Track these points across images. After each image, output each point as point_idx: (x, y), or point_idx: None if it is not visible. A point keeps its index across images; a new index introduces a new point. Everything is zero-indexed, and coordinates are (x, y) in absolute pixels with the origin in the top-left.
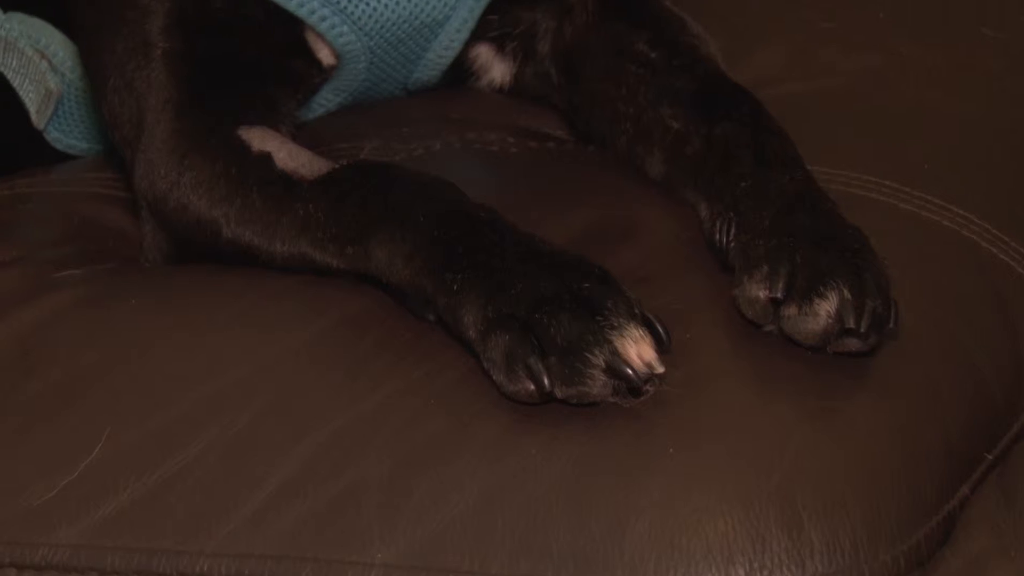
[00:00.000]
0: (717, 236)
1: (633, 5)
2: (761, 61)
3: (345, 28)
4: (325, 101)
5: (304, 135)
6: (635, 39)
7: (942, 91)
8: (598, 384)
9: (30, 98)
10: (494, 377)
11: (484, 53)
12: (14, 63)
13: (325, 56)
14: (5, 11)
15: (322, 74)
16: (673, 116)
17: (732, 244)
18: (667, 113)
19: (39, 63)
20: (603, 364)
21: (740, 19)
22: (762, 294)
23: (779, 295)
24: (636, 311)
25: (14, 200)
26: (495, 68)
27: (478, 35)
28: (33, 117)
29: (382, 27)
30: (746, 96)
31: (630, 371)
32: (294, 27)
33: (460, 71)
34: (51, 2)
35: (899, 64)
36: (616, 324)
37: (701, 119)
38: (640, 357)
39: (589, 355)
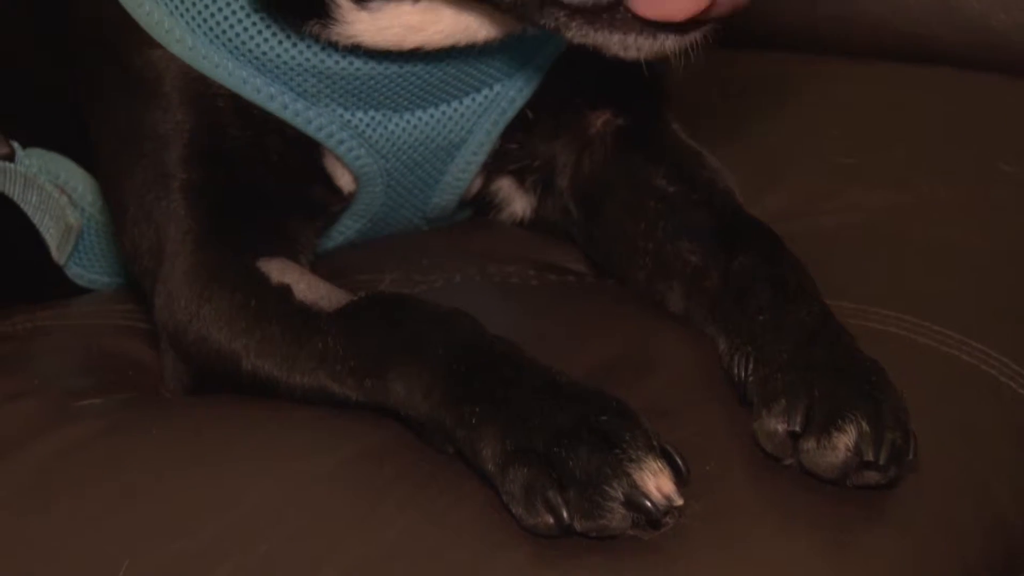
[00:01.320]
0: (736, 369)
1: (651, 139)
2: (780, 195)
3: (363, 151)
4: (344, 228)
5: (324, 266)
6: (653, 173)
7: (960, 227)
8: (617, 517)
9: (50, 234)
10: (513, 510)
11: (505, 187)
12: (34, 199)
13: (345, 182)
14: (24, 146)
15: (341, 201)
16: (692, 250)
17: (751, 377)
18: (686, 247)
19: (59, 198)
20: (622, 497)
21: (760, 153)
22: (781, 427)
23: (798, 428)
24: (655, 443)
25: (35, 332)
26: (516, 201)
27: (499, 167)
28: (54, 253)
29: (399, 150)
30: (764, 230)
31: (649, 503)
32: (312, 153)
33: (482, 204)
34: (70, 136)
35: (917, 200)
36: (635, 457)
37: (719, 253)
38: (659, 490)
39: (608, 488)
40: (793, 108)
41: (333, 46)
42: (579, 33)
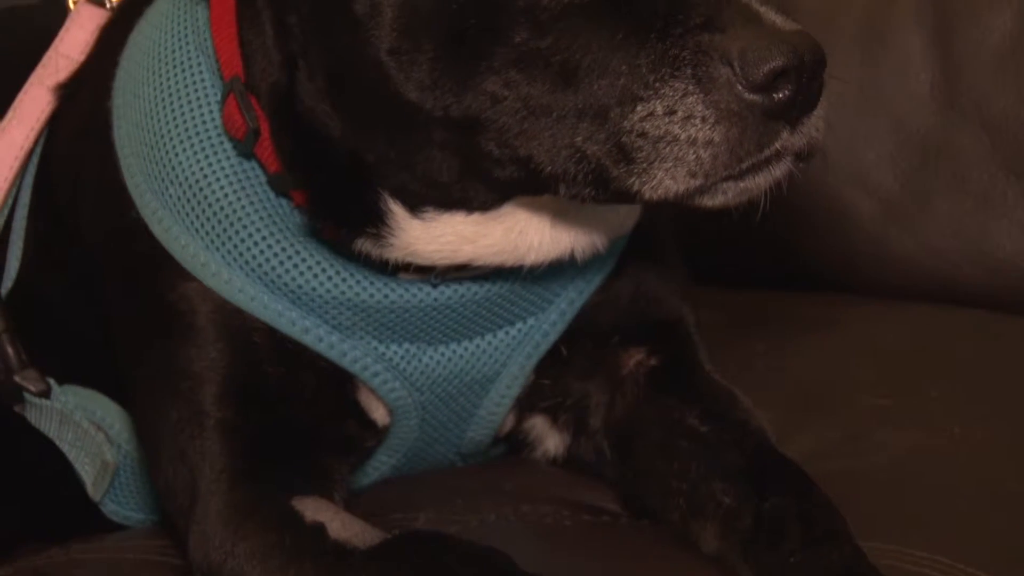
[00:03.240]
0: None
1: (684, 379)
2: (813, 435)
3: (397, 384)
4: (379, 464)
5: (358, 504)
6: (686, 414)
7: (993, 469)
8: None
9: (86, 471)
10: None
11: (539, 424)
12: (70, 436)
13: (379, 415)
14: (60, 383)
15: (376, 435)
16: (724, 491)
17: None
18: (718, 488)
19: (95, 435)
20: None
21: (793, 392)
22: None
23: None
24: None
25: (69, 565)
26: (549, 439)
27: (532, 404)
28: (90, 489)
29: (433, 383)
30: (796, 471)
31: None
32: (346, 386)
33: (516, 441)
34: (106, 373)
35: (949, 442)
36: None
37: (752, 494)
38: None
39: None
40: (826, 348)
41: (383, 267)
42: (661, 187)
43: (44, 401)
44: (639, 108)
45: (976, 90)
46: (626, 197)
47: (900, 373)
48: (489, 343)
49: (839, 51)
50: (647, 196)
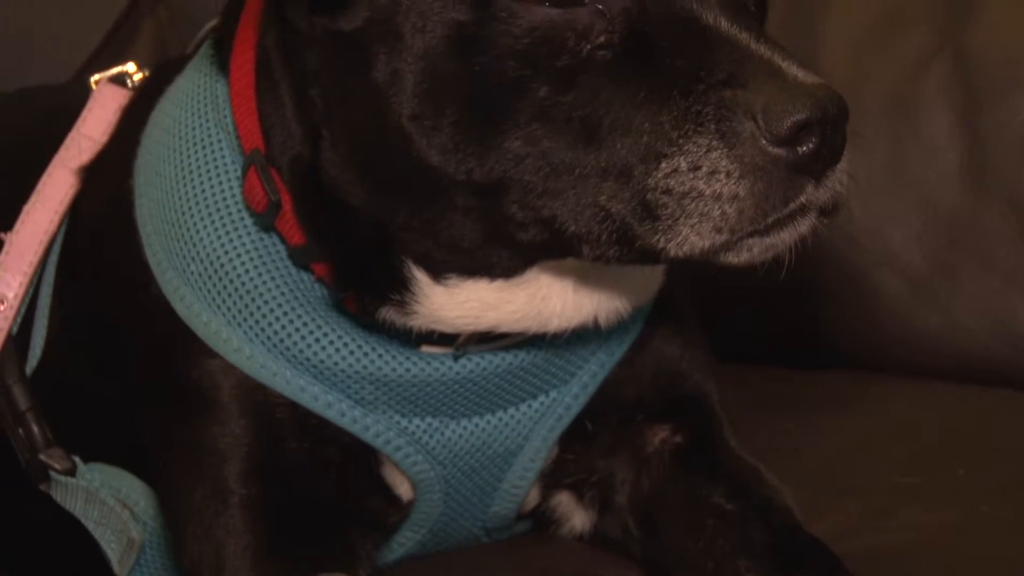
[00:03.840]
0: None
1: (709, 456)
2: (840, 513)
3: (420, 458)
4: (404, 540)
5: None
6: (712, 491)
7: (1021, 547)
8: None
9: (112, 548)
10: None
11: (565, 501)
12: (95, 514)
13: (403, 490)
14: (86, 461)
15: (400, 511)
16: (750, 569)
17: None
18: (744, 566)
19: (120, 513)
20: None
21: (820, 470)
22: None
23: None
24: None
25: None
26: (575, 516)
27: (557, 480)
28: (115, 567)
29: (456, 456)
30: (822, 549)
31: None
32: (370, 461)
33: (542, 518)
34: (131, 450)
35: (977, 520)
36: None
37: (777, 572)
38: None
39: None
40: (854, 426)
41: (406, 337)
42: (687, 243)
43: (70, 479)
44: (663, 165)
45: (1003, 169)
46: (651, 256)
47: (927, 451)
48: (512, 416)
49: (866, 130)
50: (672, 253)
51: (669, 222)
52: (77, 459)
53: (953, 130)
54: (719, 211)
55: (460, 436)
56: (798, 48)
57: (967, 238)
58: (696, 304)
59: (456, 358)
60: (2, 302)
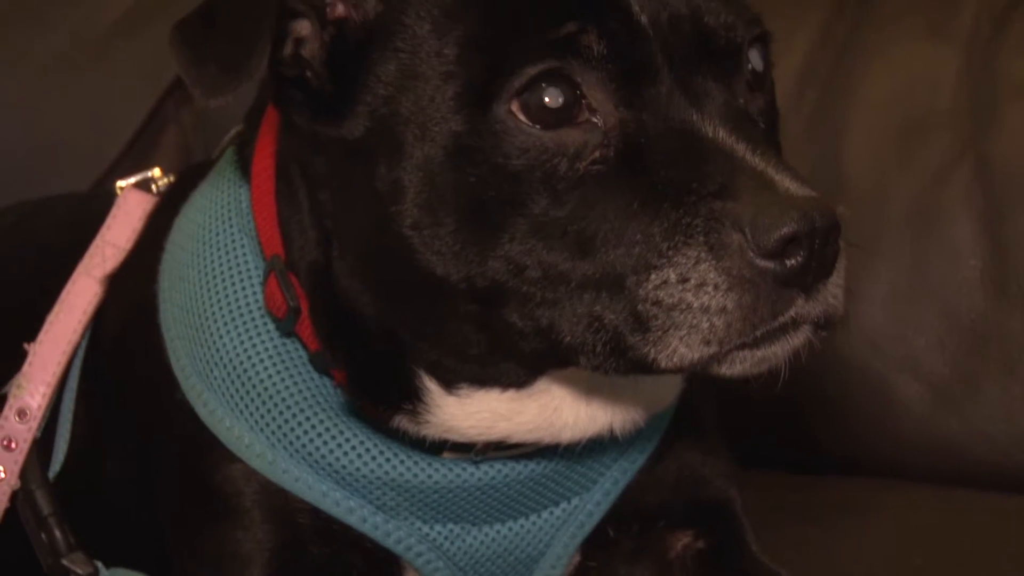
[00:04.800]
0: None
1: (732, 562)
2: None
3: (441, 564)
4: None
5: None
6: None
7: None
8: None
9: None
10: None
11: None
12: None
13: None
14: (108, 566)
15: None
16: None
17: None
18: None
19: None
20: None
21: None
22: None
23: None
24: None
25: None
26: None
27: None
28: None
29: (477, 563)
30: None
31: None
32: (391, 567)
33: None
34: (153, 554)
35: None
36: None
37: None
38: None
39: None
40: (876, 533)
41: (419, 445)
42: (676, 355)
43: None
44: (653, 276)
45: None
46: (643, 367)
47: (947, 559)
48: (533, 523)
49: (888, 237)
50: (663, 365)
51: (659, 333)
52: (99, 564)
53: (975, 237)
54: (707, 323)
55: (482, 543)
56: (822, 157)
57: (989, 345)
58: (717, 410)
59: (477, 465)
60: (26, 413)
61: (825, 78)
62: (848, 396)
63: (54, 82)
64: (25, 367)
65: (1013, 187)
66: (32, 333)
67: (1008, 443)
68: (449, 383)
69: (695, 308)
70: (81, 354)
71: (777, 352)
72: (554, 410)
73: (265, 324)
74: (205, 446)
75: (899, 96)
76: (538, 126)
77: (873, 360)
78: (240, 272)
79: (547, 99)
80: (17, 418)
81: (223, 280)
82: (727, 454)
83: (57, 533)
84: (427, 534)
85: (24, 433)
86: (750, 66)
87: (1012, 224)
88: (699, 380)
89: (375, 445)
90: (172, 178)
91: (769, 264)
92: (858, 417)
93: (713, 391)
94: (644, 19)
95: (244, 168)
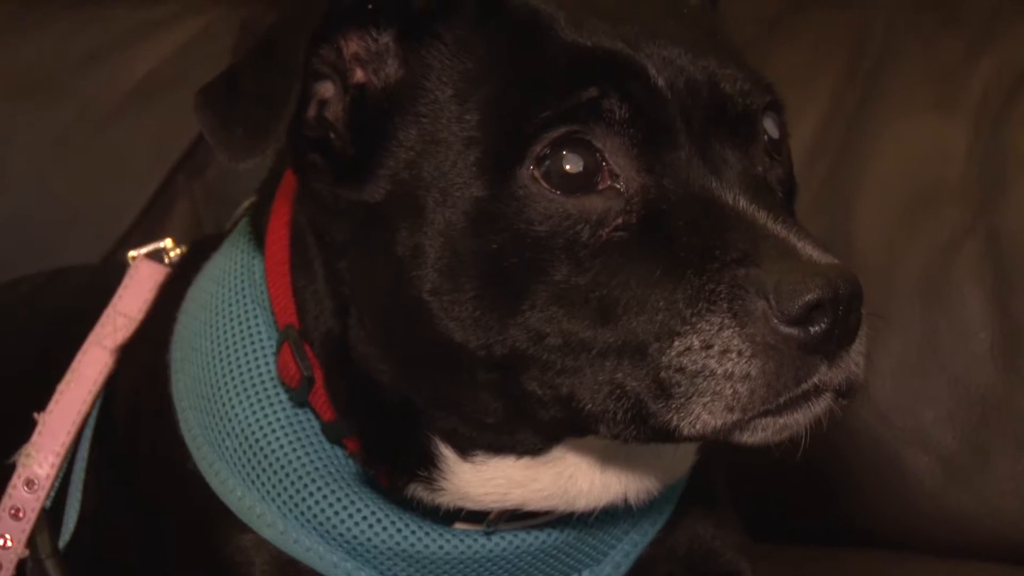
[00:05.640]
0: None
1: None
2: None
3: None
4: None
5: None
6: None
7: None
8: None
9: None
10: None
11: None
12: None
13: None
14: None
15: None
16: None
17: None
18: None
19: None
20: None
21: None
22: None
23: None
24: None
25: None
26: None
27: None
28: None
29: None
30: None
31: None
32: None
33: None
34: None
35: None
36: None
37: None
38: None
39: None
40: None
41: (433, 514)
42: (699, 422)
43: None
44: (676, 343)
45: None
46: (665, 435)
47: None
48: None
49: (898, 310)
50: (686, 432)
51: (682, 400)
52: None
53: (985, 310)
54: (731, 390)
55: None
56: (832, 229)
57: (999, 418)
58: (729, 481)
59: (488, 535)
60: (34, 483)
61: (835, 150)
62: (858, 468)
63: (65, 153)
64: (35, 436)
65: (1022, 260)
66: (42, 402)
67: (1018, 516)
68: (464, 450)
69: (719, 375)
70: (92, 423)
71: (799, 419)
72: (569, 477)
73: (278, 394)
74: (216, 516)
75: (909, 168)
76: (560, 192)
77: (883, 432)
78: (253, 342)
79: (568, 166)
80: (26, 488)
81: (236, 350)
82: (738, 526)
83: None
84: None
85: (32, 502)
86: (766, 135)
87: (1021, 297)
88: (712, 451)
89: (387, 515)
90: (184, 249)
91: (793, 331)
92: (868, 489)
93: (724, 463)
94: (662, 83)
95: (258, 238)
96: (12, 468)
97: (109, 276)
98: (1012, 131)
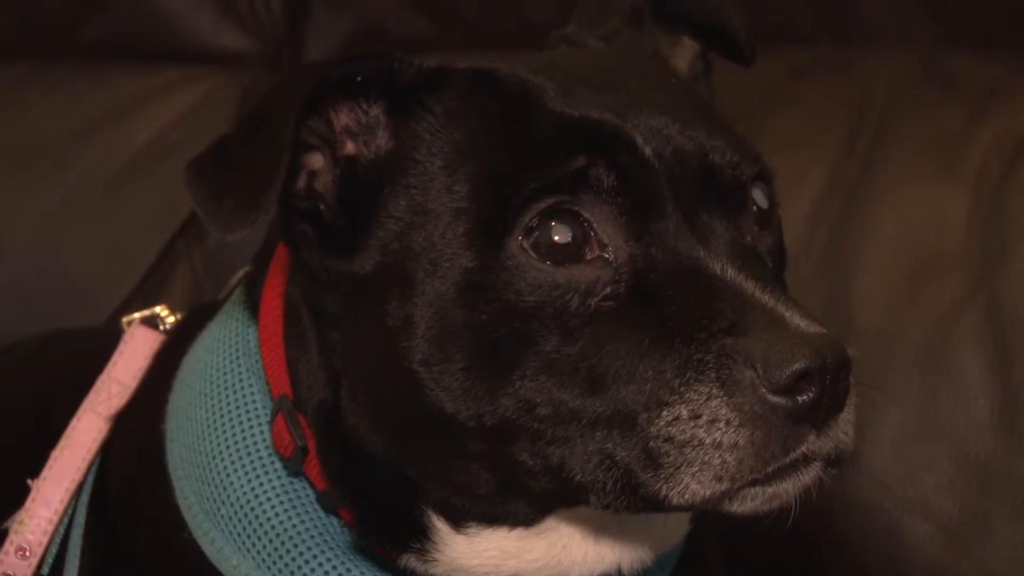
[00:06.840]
0: None
1: None
2: None
3: None
4: None
5: None
6: None
7: None
8: None
9: None
10: None
11: None
12: None
13: None
14: None
15: None
16: None
17: None
18: None
19: None
20: None
21: None
22: None
23: None
24: None
25: None
26: None
27: None
28: None
29: None
30: None
31: None
32: None
33: None
34: None
35: None
36: None
37: None
38: None
39: None
40: None
41: None
42: (688, 492)
43: None
44: (665, 413)
45: None
46: (654, 504)
47: None
48: None
49: (897, 376)
50: (675, 502)
51: (671, 470)
52: None
53: (985, 377)
54: (719, 460)
55: None
56: (832, 297)
57: (999, 485)
58: (723, 549)
59: None
60: (25, 550)
61: (835, 218)
62: (858, 536)
63: (66, 220)
64: (27, 503)
65: (1022, 328)
66: (36, 468)
67: None
68: (457, 521)
69: (707, 444)
70: (88, 488)
71: (788, 489)
72: (563, 548)
73: (273, 463)
74: None
75: (909, 237)
76: (548, 262)
77: (882, 500)
78: (248, 411)
79: (556, 236)
80: (17, 555)
81: (231, 419)
82: None
83: None
84: None
85: (24, 570)
86: (755, 205)
87: (1021, 364)
88: (706, 520)
89: (391, 569)
90: (179, 316)
91: (781, 400)
92: (868, 557)
93: (719, 532)
94: (649, 152)
95: (253, 308)
96: (4, 534)
97: (103, 341)
98: (1012, 200)
